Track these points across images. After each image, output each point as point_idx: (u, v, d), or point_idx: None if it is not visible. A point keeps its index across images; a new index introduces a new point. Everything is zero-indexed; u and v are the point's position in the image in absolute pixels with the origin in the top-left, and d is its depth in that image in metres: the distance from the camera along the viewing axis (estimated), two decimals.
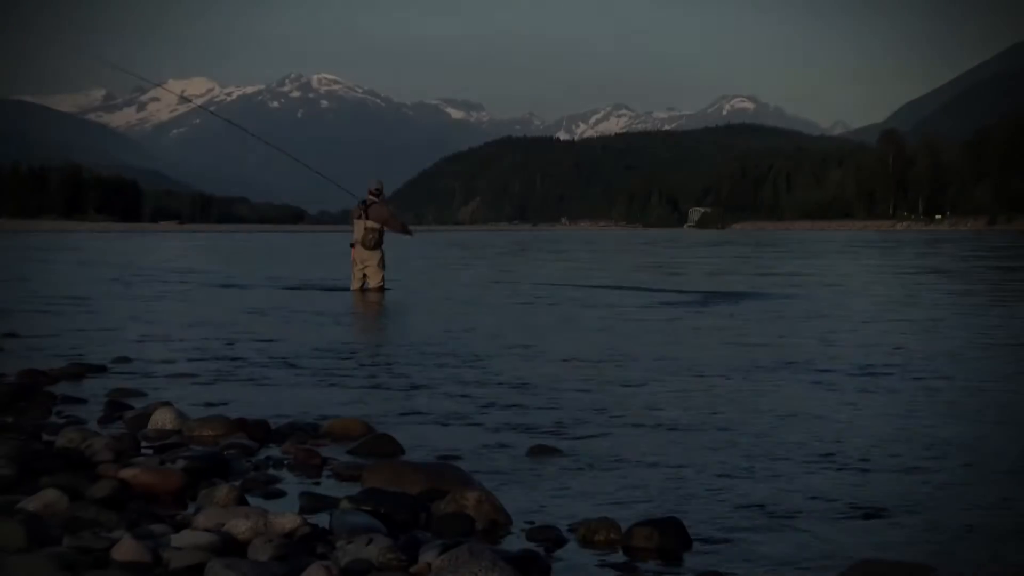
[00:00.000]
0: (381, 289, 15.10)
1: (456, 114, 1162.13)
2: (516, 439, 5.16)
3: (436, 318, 11.86)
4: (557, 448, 4.92)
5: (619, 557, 3.45)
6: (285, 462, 4.67)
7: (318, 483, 4.36)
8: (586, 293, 16.36)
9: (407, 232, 15.89)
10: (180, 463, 4.31)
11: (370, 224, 15.09)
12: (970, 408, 6.06)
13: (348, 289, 15.56)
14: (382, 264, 15.20)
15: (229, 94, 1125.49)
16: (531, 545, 3.53)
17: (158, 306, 13.82)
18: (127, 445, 4.70)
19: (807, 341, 9.37)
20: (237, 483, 4.17)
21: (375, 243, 15.07)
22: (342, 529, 3.49)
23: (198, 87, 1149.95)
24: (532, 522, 3.77)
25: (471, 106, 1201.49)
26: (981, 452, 4.90)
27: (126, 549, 3.12)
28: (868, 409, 6.05)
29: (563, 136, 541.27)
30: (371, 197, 15.32)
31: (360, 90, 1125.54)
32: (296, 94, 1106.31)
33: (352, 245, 15.31)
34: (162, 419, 5.31)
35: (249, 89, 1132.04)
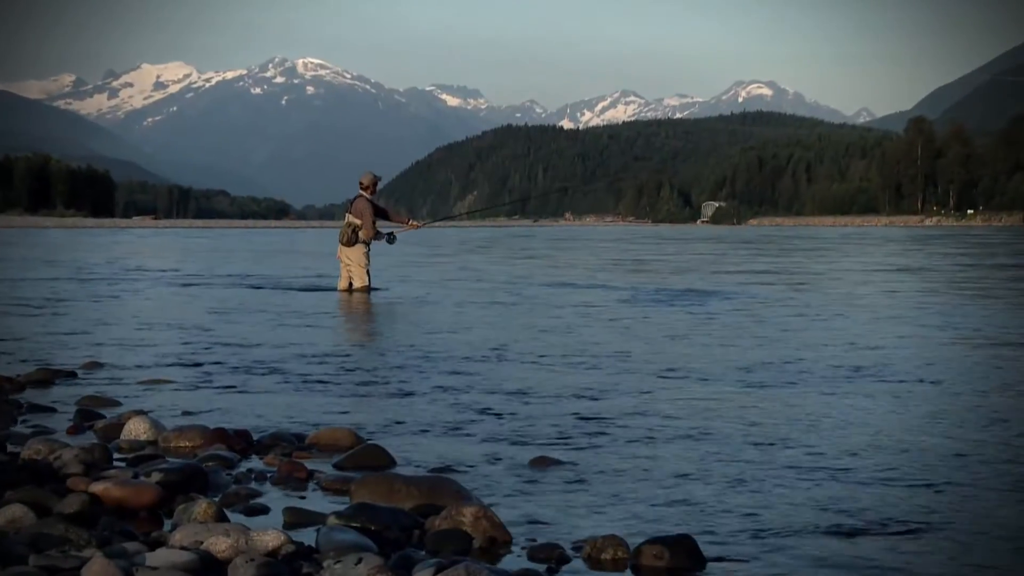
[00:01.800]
0: (367, 289, 15.10)
1: (452, 101, 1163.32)
2: (515, 450, 5.16)
3: (425, 320, 11.86)
4: (559, 460, 4.92)
5: None
6: (268, 475, 4.67)
7: (303, 497, 4.36)
8: (572, 291, 16.38)
9: (377, 236, 15.09)
10: (155, 476, 4.30)
11: (350, 219, 15.14)
12: (980, 416, 6.06)
13: (335, 289, 15.58)
14: (365, 263, 15.17)
15: (208, 80, 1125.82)
16: (532, 564, 3.52)
17: (132, 308, 13.82)
18: (98, 457, 4.69)
19: (794, 342, 9.41)
20: (216, 498, 4.18)
21: (349, 239, 15.06)
22: (329, 547, 3.49)
23: (175, 72, 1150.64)
24: (534, 539, 3.77)
25: (468, 92, 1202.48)
26: (1001, 463, 4.90)
27: (97, 569, 3.12)
28: (867, 414, 6.06)
29: (567, 125, 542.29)
30: (360, 191, 15.34)
31: (349, 75, 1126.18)
32: (280, 79, 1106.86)
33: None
34: (136, 429, 5.31)
35: (229, 74, 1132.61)
